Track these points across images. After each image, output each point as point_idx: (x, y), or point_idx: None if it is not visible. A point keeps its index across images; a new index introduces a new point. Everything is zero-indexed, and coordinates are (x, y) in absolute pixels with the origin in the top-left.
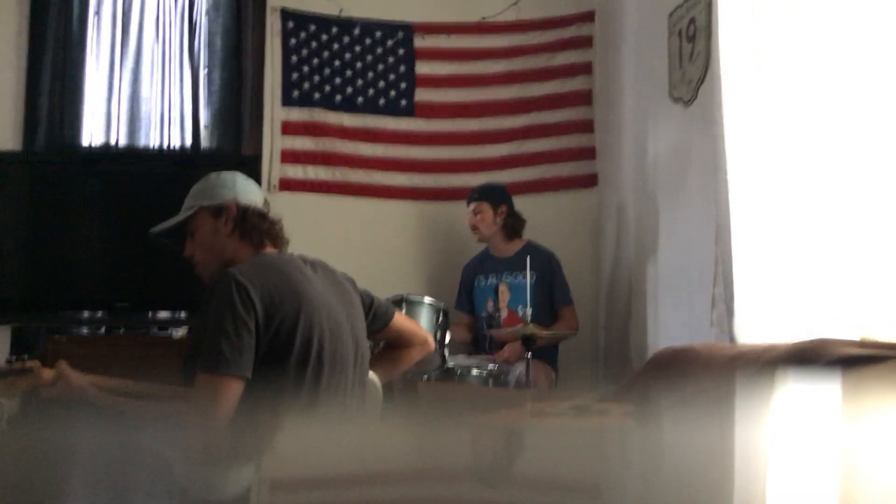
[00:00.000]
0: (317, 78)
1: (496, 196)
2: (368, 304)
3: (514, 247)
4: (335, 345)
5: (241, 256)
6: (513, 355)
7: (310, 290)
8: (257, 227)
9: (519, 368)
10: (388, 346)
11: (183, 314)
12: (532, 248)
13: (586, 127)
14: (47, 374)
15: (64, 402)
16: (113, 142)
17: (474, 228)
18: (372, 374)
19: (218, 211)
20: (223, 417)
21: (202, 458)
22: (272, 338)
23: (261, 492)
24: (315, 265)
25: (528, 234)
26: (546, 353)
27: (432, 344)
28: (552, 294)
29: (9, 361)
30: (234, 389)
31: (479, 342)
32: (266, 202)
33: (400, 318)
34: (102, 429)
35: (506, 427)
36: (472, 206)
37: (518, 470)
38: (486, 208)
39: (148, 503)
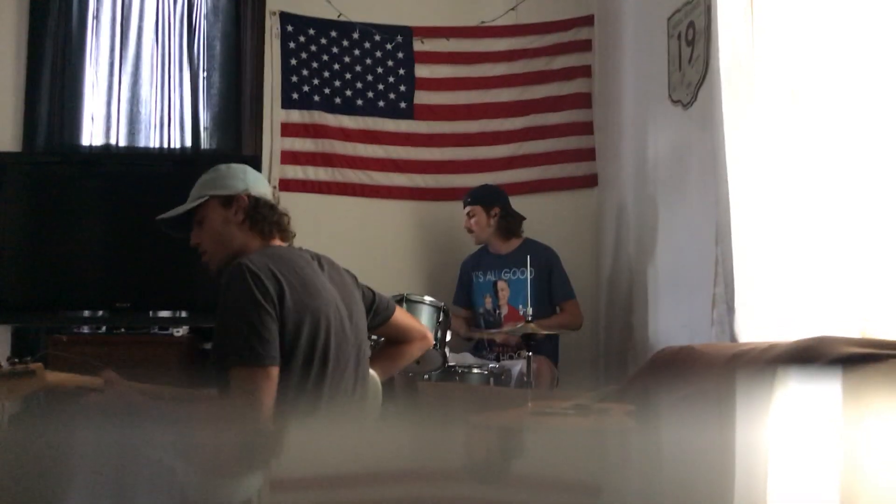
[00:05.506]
0: (316, 81)
1: (488, 199)
2: (370, 300)
3: (512, 245)
4: (339, 340)
5: (249, 247)
6: (513, 338)
7: (318, 284)
8: (268, 219)
9: (521, 364)
10: (387, 342)
11: (183, 314)
12: (530, 245)
13: (586, 129)
14: (52, 377)
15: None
16: (113, 143)
17: (470, 231)
18: (372, 372)
19: (229, 200)
20: (267, 408)
21: (211, 458)
22: (281, 328)
23: (262, 491)
24: (321, 260)
25: (529, 233)
26: (547, 348)
27: (431, 339)
28: (551, 289)
29: (11, 362)
30: (272, 378)
31: (479, 341)
32: (275, 195)
33: (400, 314)
34: (101, 430)
35: (506, 426)
36: (466, 209)
37: (518, 469)
38: (479, 212)
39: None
